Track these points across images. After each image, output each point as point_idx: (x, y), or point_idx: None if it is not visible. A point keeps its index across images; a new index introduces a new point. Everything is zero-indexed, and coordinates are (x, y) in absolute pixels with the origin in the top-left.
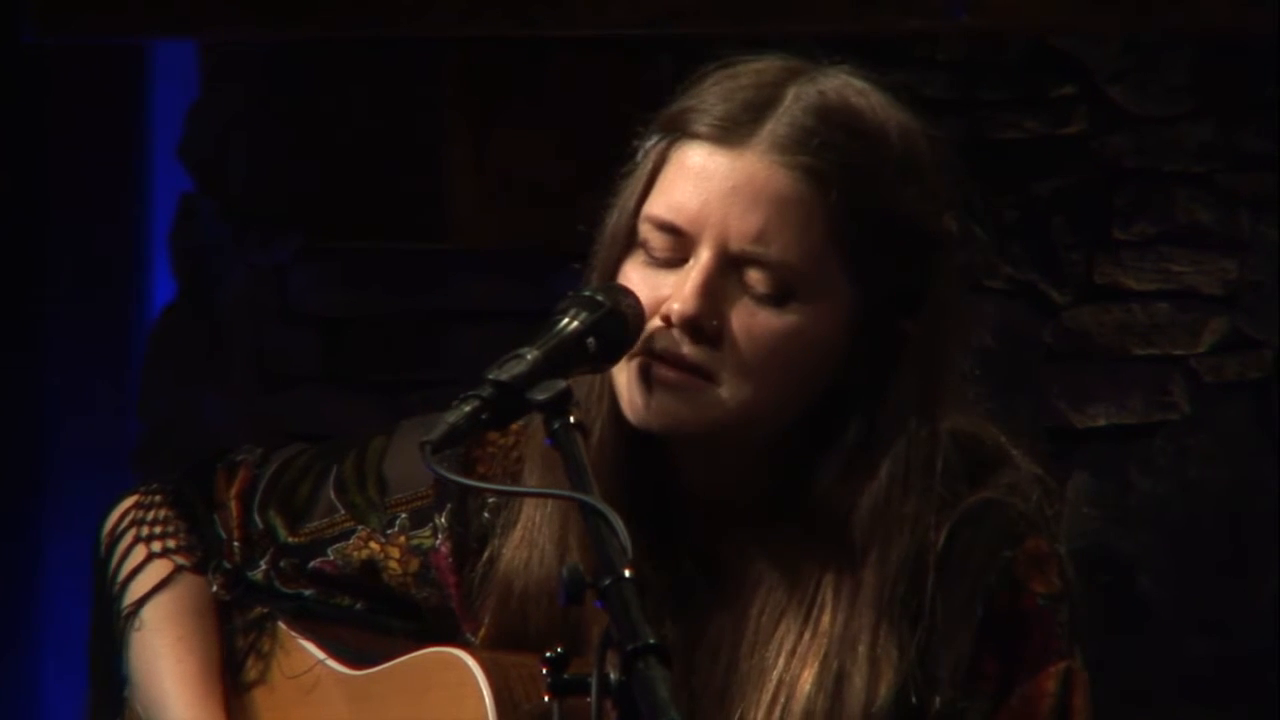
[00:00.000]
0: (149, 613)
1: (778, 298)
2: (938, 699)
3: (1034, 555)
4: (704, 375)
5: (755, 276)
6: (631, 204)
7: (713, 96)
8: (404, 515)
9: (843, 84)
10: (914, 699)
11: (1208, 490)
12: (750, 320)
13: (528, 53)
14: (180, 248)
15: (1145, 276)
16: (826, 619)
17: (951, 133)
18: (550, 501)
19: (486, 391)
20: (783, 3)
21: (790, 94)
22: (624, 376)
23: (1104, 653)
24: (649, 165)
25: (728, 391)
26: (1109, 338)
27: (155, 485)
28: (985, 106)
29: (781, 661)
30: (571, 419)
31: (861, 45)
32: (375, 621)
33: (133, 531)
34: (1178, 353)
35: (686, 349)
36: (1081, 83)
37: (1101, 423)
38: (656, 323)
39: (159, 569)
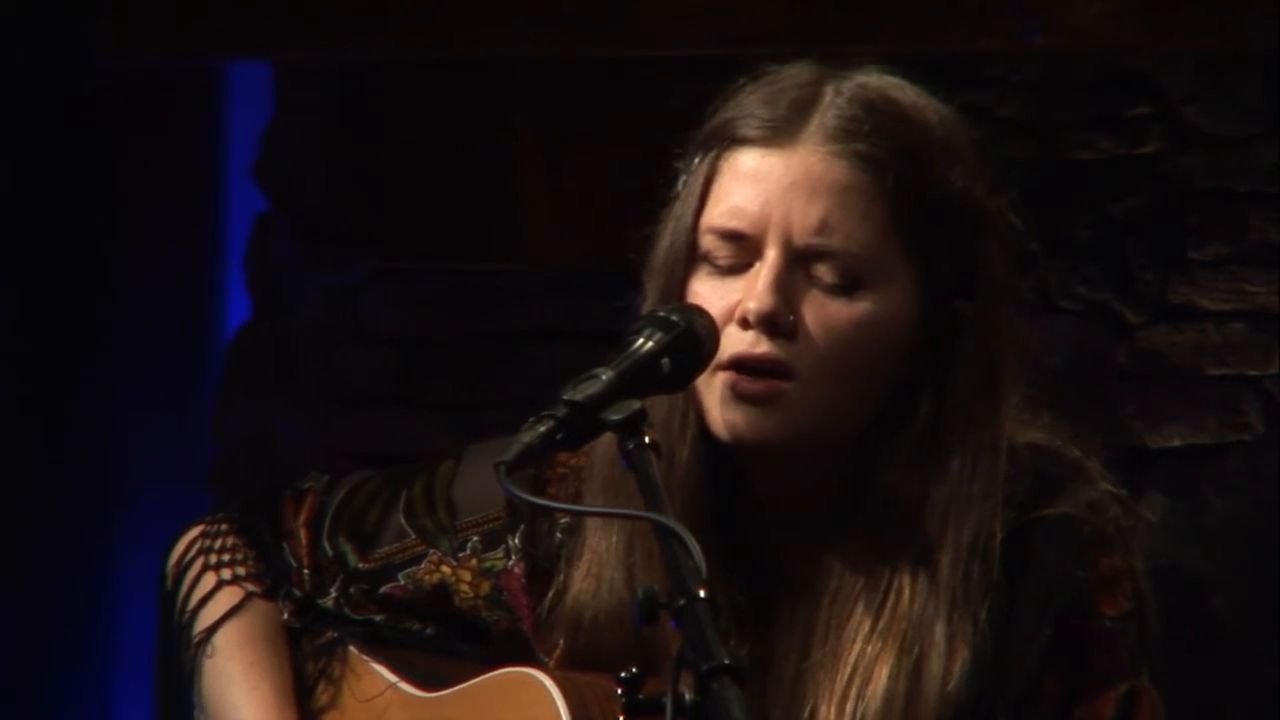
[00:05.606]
0: (221, 639)
1: (847, 287)
2: (1002, 718)
3: (1107, 575)
4: (785, 374)
5: (823, 269)
6: (688, 219)
7: (752, 103)
8: (475, 538)
9: (877, 77)
10: (985, 690)
11: None
12: (823, 312)
13: (603, 73)
14: (255, 268)
15: (1219, 296)
16: (905, 601)
17: (1025, 153)
18: (614, 528)
19: (561, 412)
20: (856, 23)
21: (830, 89)
22: (711, 395)
23: (1176, 672)
24: (700, 179)
25: (809, 389)
26: (1183, 358)
27: (220, 515)
28: (1059, 127)
29: (857, 646)
30: (646, 439)
31: (935, 66)
32: (445, 646)
33: (200, 560)
34: (1251, 373)
35: (765, 347)
36: (1156, 103)
37: (1175, 443)
38: (733, 328)
39: (229, 596)
